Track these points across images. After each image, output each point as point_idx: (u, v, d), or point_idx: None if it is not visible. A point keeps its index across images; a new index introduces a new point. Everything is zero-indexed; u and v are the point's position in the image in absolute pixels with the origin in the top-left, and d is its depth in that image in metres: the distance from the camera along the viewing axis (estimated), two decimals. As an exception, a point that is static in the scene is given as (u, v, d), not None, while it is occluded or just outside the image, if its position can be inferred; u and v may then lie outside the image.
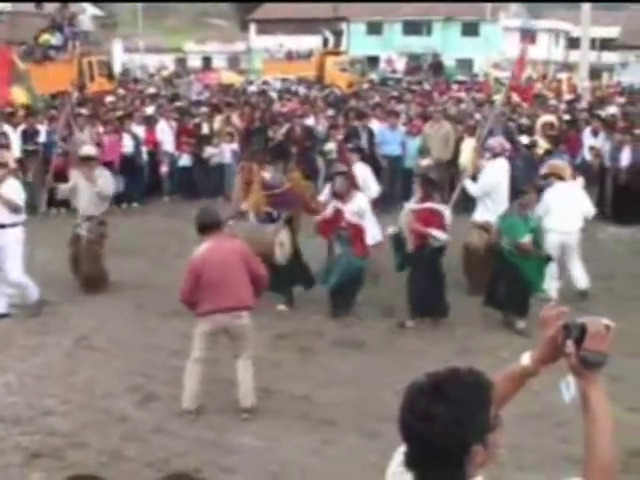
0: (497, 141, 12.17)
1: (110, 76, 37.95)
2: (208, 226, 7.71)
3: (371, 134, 17.63)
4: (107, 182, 11.79)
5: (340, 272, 10.49)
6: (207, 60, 74.03)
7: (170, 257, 13.24)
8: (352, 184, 10.86)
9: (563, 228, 11.03)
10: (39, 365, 9.18)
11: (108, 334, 10.13)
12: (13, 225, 10.48)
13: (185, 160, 18.90)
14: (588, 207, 11.51)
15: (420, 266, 10.16)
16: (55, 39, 36.01)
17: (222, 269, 7.58)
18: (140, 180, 18.31)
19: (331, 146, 17.14)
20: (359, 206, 10.66)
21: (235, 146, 18.74)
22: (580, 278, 11.43)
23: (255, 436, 7.43)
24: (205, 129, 19.30)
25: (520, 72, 14.49)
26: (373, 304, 11.06)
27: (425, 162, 15.02)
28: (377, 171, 17.37)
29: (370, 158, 17.47)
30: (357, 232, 10.56)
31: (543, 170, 12.06)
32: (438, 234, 10.00)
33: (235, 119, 19.58)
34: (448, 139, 17.08)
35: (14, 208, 10.40)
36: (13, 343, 9.84)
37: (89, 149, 12.38)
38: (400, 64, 59.71)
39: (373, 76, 46.04)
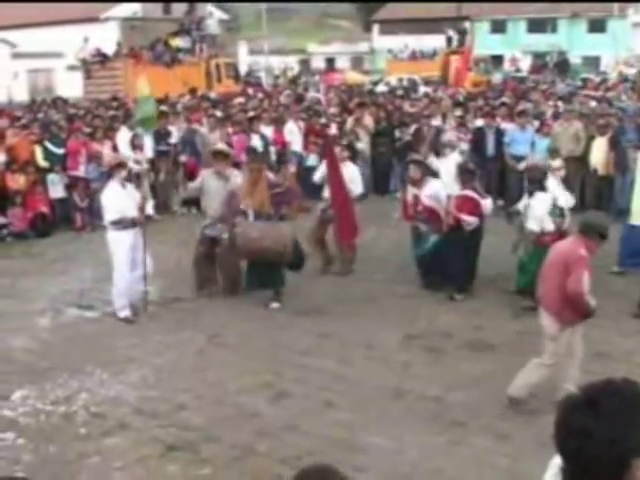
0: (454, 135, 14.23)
1: (236, 78, 38.66)
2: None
3: (499, 134, 17.35)
4: (238, 182, 11.55)
5: (428, 247, 11.61)
6: (330, 61, 74.45)
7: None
8: (425, 172, 11.76)
9: None
10: (174, 360, 9.42)
11: (239, 331, 10.30)
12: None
13: (312, 160, 18.96)
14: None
15: (455, 245, 11.17)
16: (183, 42, 36.90)
17: (547, 264, 7.92)
18: (269, 180, 18.52)
19: (461, 147, 17.00)
20: (434, 190, 11.60)
21: (361, 145, 18.75)
22: None
23: (385, 436, 7.41)
24: (333, 129, 19.37)
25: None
26: (503, 305, 10.91)
27: (556, 163, 14.69)
28: (503, 171, 17.18)
29: (498, 158, 17.29)
30: (432, 214, 11.57)
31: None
32: (468, 219, 11.08)
33: (367, 119, 19.58)
34: (578, 137, 16.66)
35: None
36: (149, 338, 10.12)
37: (223, 146, 12.27)
38: (525, 63, 58.68)
39: (498, 75, 45.41)
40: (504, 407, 7.88)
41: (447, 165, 12.74)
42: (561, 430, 2.39)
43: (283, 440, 7.40)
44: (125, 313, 10.88)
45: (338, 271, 12.74)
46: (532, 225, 10.65)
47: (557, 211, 10.60)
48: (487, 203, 11.44)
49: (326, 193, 12.44)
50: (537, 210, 10.59)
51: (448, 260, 11.29)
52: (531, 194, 10.77)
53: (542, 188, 10.72)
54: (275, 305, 11.17)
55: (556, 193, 10.81)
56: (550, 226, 10.50)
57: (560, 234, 10.20)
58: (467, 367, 9.00)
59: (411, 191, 11.82)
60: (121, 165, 10.93)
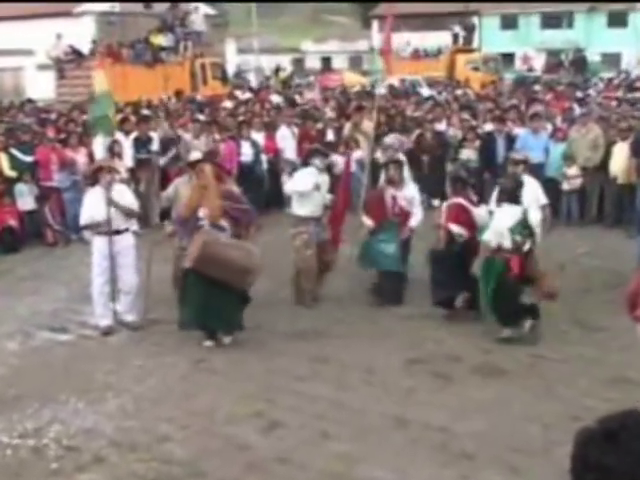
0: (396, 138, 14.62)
1: (224, 79, 38.61)
2: None
3: (510, 139, 17.35)
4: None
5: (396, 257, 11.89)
6: (327, 60, 74.50)
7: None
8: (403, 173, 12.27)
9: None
10: (156, 388, 9.41)
11: (227, 356, 10.28)
12: (127, 230, 11.25)
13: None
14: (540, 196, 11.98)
15: (450, 260, 11.07)
16: (166, 40, 36.77)
17: None
18: (260, 191, 18.30)
19: (468, 154, 17.05)
20: (410, 194, 12.12)
21: (360, 154, 18.73)
22: None
23: (387, 469, 7.41)
24: (330, 135, 19.39)
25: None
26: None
27: (572, 171, 14.76)
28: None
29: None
30: (406, 218, 12.06)
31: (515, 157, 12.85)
32: (457, 230, 11.08)
33: (366, 124, 19.53)
34: (597, 144, 16.64)
35: (128, 213, 11.24)
36: (128, 364, 10.11)
37: (198, 155, 12.03)
38: (538, 61, 58.86)
39: (508, 75, 45.50)
40: (517, 438, 7.88)
41: None
42: (577, 464, 2.40)
43: (276, 474, 7.40)
44: (105, 322, 11.15)
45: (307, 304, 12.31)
46: (489, 237, 10.41)
47: (523, 230, 10.29)
48: (481, 212, 11.22)
49: (299, 210, 12.29)
50: (499, 223, 10.37)
51: (458, 279, 11.02)
52: (499, 204, 10.65)
53: (514, 200, 10.53)
54: (227, 340, 10.75)
55: (529, 208, 10.63)
56: (507, 243, 10.21)
57: (519, 254, 10.20)
58: (476, 394, 8.98)
59: (390, 192, 12.11)
60: (102, 168, 11.22)
